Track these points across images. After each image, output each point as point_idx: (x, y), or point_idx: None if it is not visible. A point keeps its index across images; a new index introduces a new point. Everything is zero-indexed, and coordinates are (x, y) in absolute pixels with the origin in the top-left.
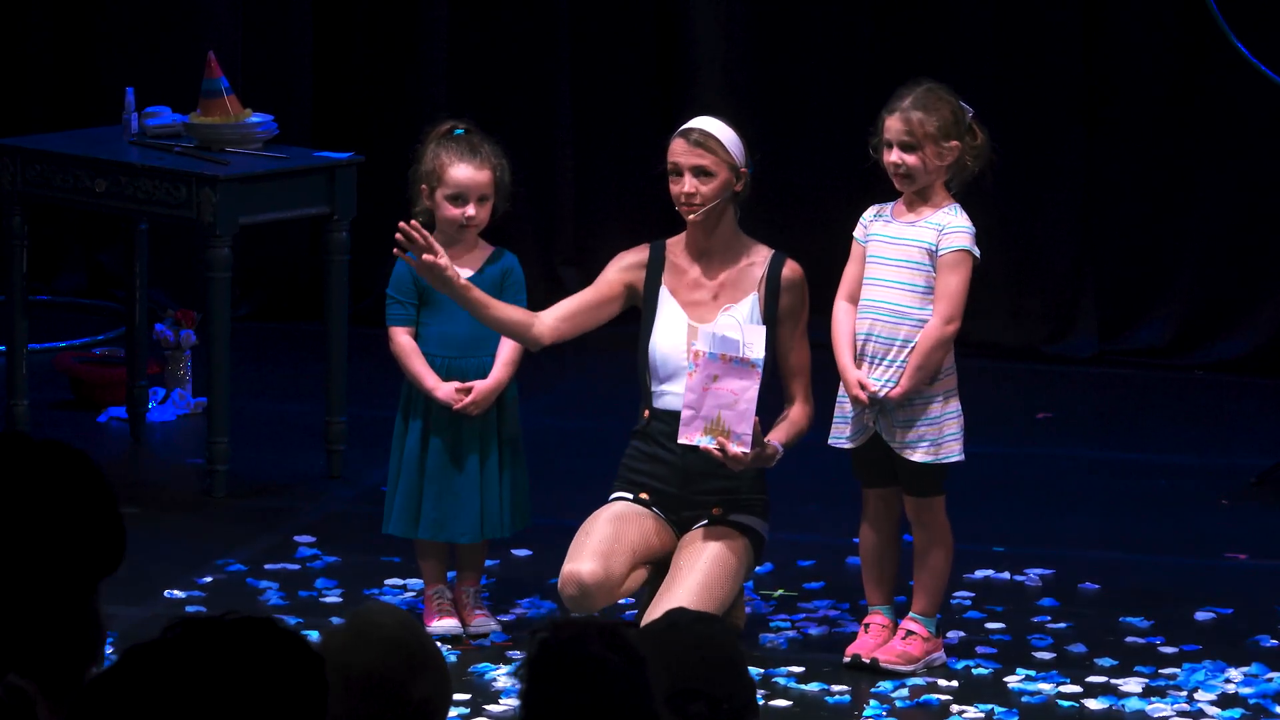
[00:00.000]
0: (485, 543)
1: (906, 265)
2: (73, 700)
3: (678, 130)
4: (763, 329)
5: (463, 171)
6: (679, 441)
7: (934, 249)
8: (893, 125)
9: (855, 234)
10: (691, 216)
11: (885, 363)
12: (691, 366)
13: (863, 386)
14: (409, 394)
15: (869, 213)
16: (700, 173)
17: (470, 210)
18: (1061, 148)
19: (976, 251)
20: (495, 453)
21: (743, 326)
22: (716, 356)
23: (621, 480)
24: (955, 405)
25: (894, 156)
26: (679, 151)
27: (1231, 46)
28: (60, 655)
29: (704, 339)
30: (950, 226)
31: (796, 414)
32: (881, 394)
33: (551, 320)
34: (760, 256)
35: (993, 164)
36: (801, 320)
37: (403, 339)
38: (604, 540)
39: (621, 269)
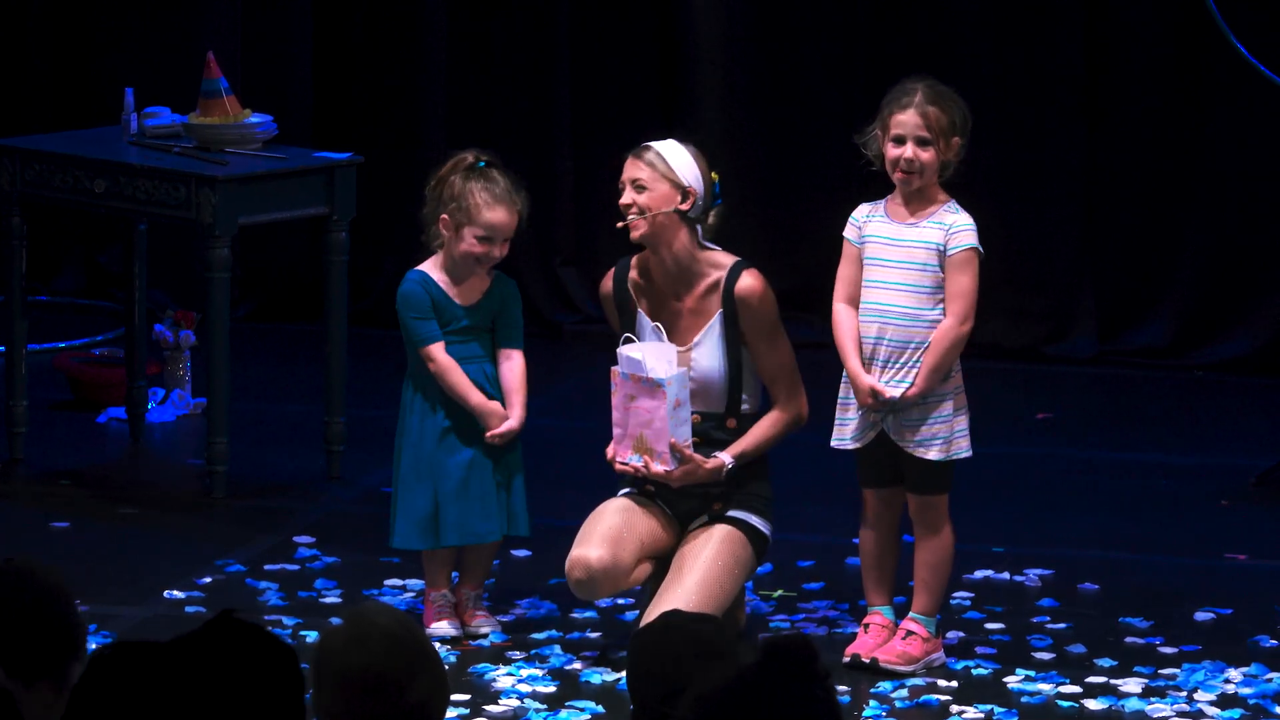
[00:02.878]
0: (494, 548)
1: (914, 267)
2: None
3: None
4: (670, 348)
5: (498, 215)
6: (615, 460)
7: (942, 249)
8: (908, 120)
9: (847, 234)
10: (633, 226)
11: (897, 365)
12: (613, 386)
13: (876, 394)
14: (407, 403)
15: (861, 212)
16: (635, 185)
17: (496, 251)
18: (1062, 147)
19: (981, 248)
20: (504, 454)
21: (644, 347)
22: (628, 377)
23: (626, 478)
24: (963, 401)
25: (908, 152)
26: (624, 167)
27: (1231, 46)
28: (44, 654)
29: (620, 360)
30: (956, 225)
31: (768, 421)
32: (896, 396)
33: None
34: (719, 272)
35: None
36: (767, 330)
37: (441, 357)
38: (614, 528)
39: (609, 315)
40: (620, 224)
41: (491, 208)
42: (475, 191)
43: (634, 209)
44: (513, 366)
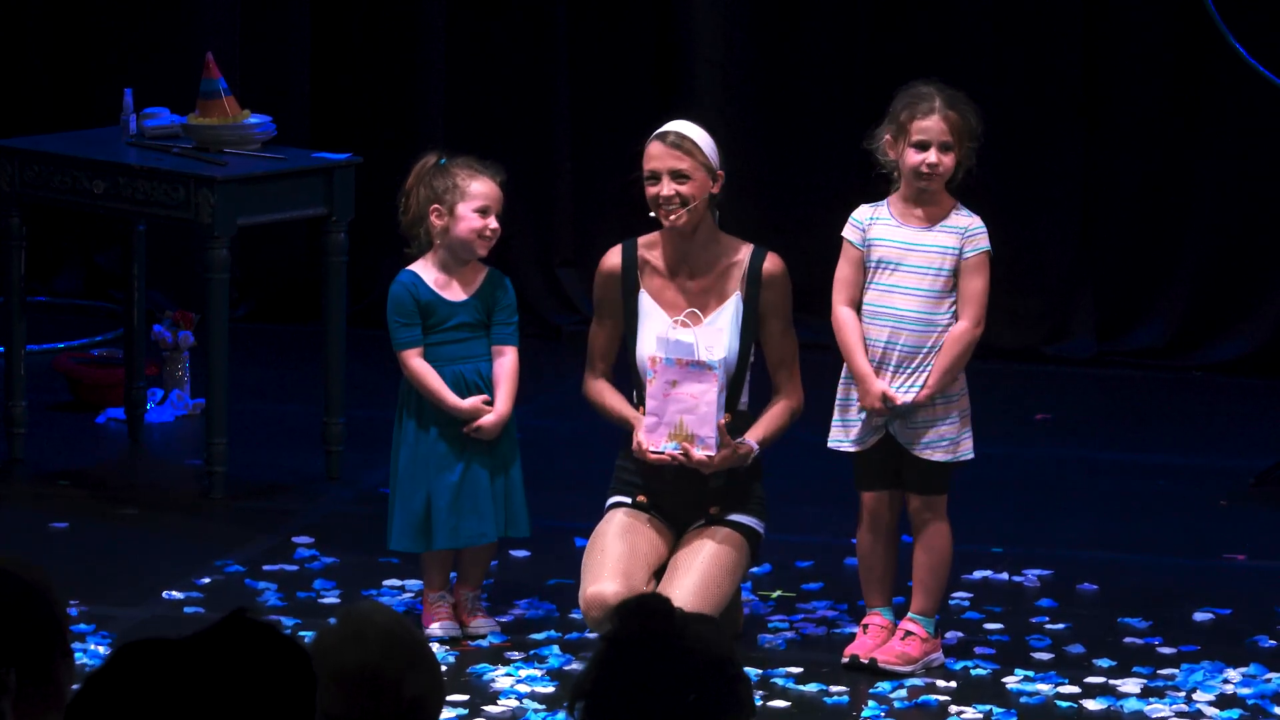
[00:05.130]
0: (492, 549)
1: (928, 272)
2: (48, 696)
3: (653, 134)
4: (720, 331)
5: (486, 184)
6: (646, 449)
7: (958, 252)
8: (931, 126)
9: (848, 235)
10: (671, 219)
11: (909, 369)
12: (651, 374)
13: (887, 399)
14: (404, 401)
15: (863, 214)
16: (678, 176)
17: (494, 222)
18: (1061, 148)
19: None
20: (500, 455)
21: (696, 330)
22: (673, 361)
23: (618, 484)
24: (967, 403)
25: (932, 157)
26: (656, 155)
27: (1230, 47)
28: (28, 653)
29: (660, 345)
30: (972, 229)
31: (779, 409)
32: (909, 401)
33: (604, 373)
34: (741, 254)
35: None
36: (785, 313)
37: (415, 363)
38: (621, 558)
39: (605, 292)
40: (667, 215)
41: (477, 178)
42: (458, 172)
43: (676, 200)
44: (504, 362)
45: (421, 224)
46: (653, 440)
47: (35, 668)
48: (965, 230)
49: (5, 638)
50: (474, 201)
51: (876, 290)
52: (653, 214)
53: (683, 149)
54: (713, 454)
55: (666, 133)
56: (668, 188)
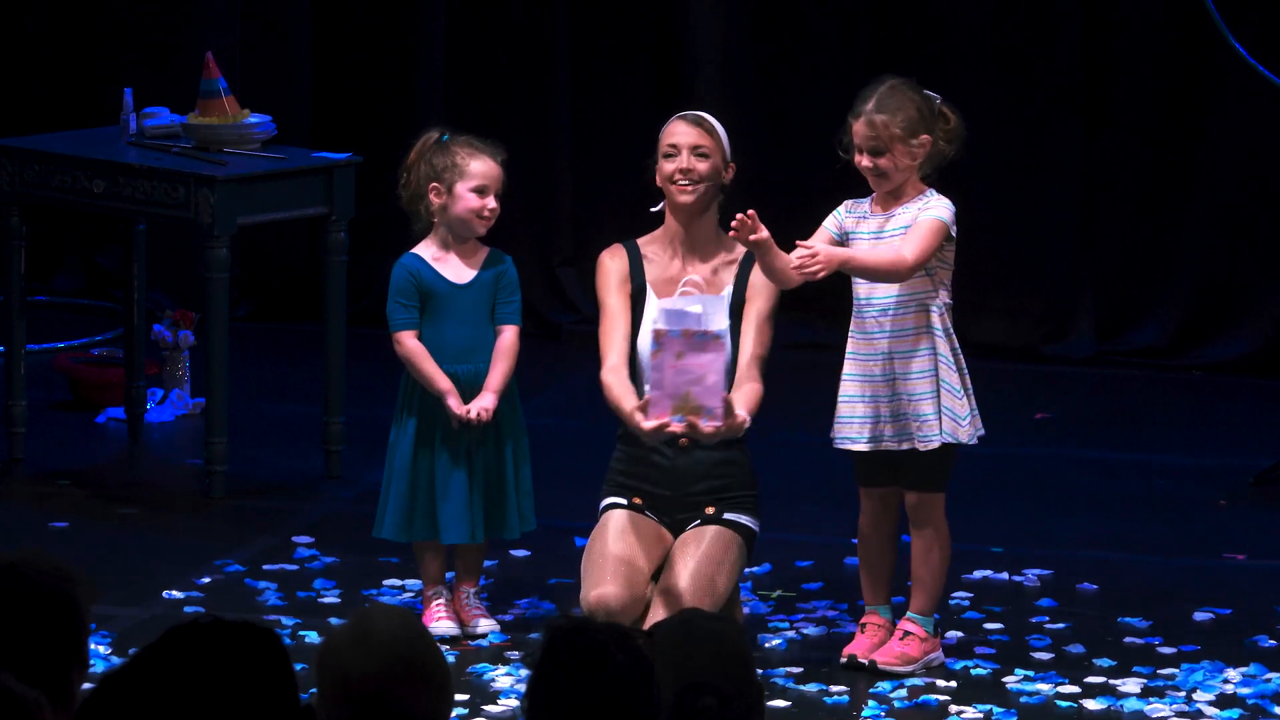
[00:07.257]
0: (484, 544)
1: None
2: (69, 706)
3: (673, 117)
4: (723, 299)
5: (485, 163)
6: (646, 422)
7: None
8: (859, 130)
9: (826, 222)
10: (687, 192)
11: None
12: (655, 346)
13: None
14: (405, 396)
15: (844, 207)
16: (697, 151)
17: (492, 202)
18: (1060, 147)
19: (954, 229)
20: (493, 453)
21: (703, 299)
22: (679, 333)
23: (611, 485)
24: (951, 384)
25: (865, 161)
26: (679, 131)
27: (1230, 46)
28: (50, 663)
29: (664, 316)
30: (929, 205)
31: (755, 388)
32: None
33: (621, 367)
34: (735, 252)
35: (966, 144)
36: (769, 301)
37: (410, 343)
38: (620, 561)
39: (618, 287)
40: (681, 190)
41: (477, 157)
42: (458, 151)
43: (693, 175)
44: (502, 340)
45: (422, 200)
46: (655, 413)
47: (50, 679)
48: (923, 207)
49: (24, 651)
50: (472, 181)
51: (856, 284)
52: (655, 205)
53: (703, 128)
54: (719, 425)
55: (687, 114)
56: (686, 160)
